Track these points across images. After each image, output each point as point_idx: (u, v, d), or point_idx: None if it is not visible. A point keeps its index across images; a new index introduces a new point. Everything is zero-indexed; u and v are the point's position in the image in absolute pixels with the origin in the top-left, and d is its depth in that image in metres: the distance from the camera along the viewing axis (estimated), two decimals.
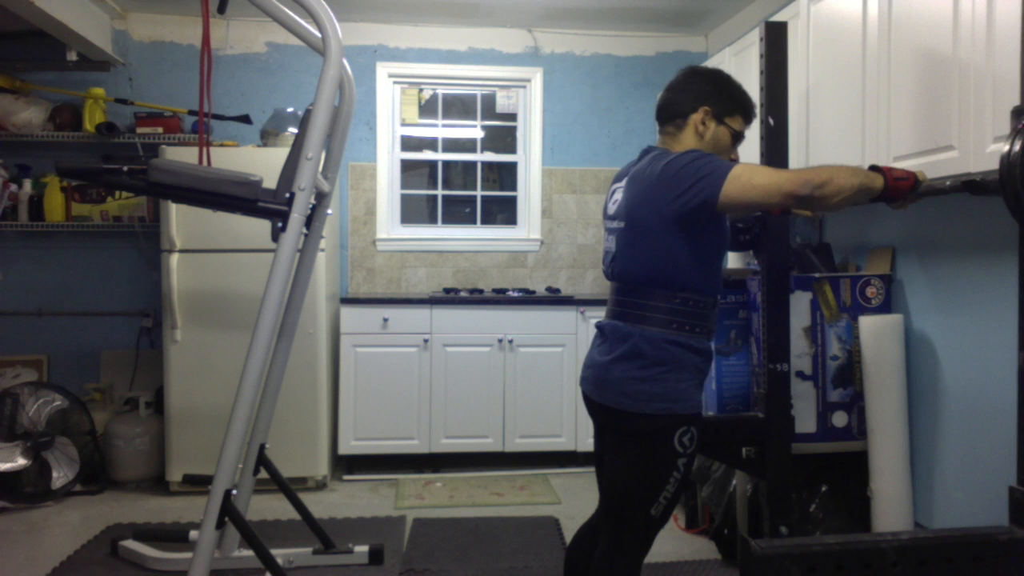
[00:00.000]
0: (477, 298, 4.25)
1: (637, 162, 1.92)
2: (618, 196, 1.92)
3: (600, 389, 1.86)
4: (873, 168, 1.80)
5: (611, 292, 1.93)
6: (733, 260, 3.84)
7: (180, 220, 3.74)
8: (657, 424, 1.78)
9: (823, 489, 2.80)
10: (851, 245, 3.08)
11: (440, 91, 4.79)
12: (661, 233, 1.78)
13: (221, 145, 3.93)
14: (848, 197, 1.71)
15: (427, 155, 4.81)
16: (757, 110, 2.02)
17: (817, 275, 2.76)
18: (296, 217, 2.41)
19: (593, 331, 4.12)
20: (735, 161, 1.89)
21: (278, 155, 2.92)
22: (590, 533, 2.04)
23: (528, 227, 4.80)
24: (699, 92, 1.90)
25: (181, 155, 3.67)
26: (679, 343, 1.79)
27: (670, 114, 1.93)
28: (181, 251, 3.77)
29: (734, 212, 1.73)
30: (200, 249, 3.78)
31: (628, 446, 1.83)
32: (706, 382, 2.04)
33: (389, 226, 4.70)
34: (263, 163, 3.37)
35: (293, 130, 3.93)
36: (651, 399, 1.77)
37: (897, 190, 1.78)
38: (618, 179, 1.98)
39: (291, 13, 2.66)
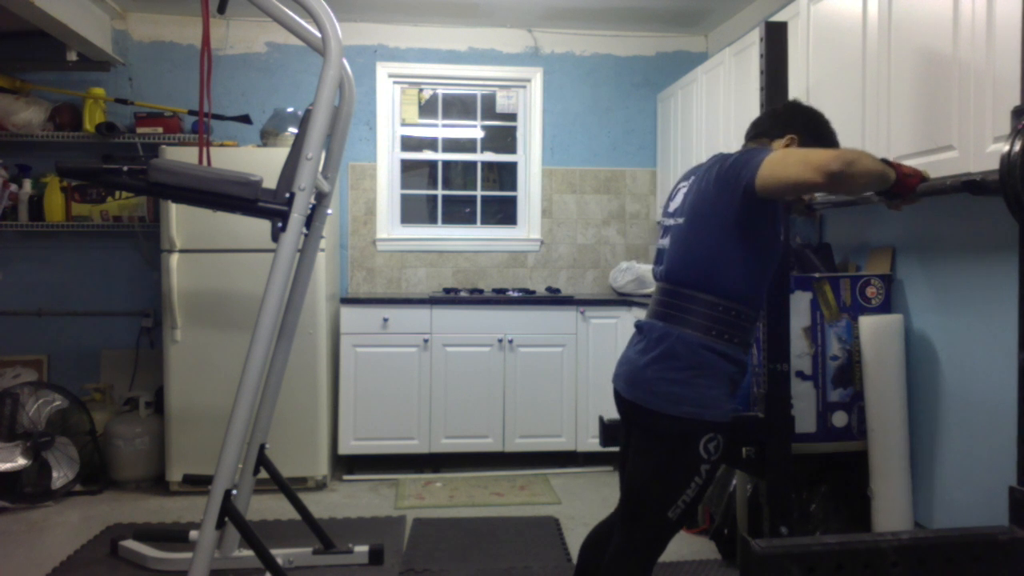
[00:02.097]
0: (477, 298, 4.25)
1: (703, 164, 1.95)
2: (680, 195, 1.95)
3: (631, 387, 1.87)
4: (883, 161, 1.82)
5: (656, 292, 1.94)
6: None
7: (180, 220, 3.74)
8: (684, 427, 1.77)
9: (823, 489, 2.80)
10: (851, 245, 3.08)
11: (440, 91, 4.79)
12: (715, 232, 1.79)
13: (221, 145, 3.93)
14: (871, 181, 1.72)
15: (427, 155, 4.81)
16: None
17: (817, 275, 2.75)
18: (296, 217, 2.41)
19: (593, 331, 4.18)
20: None
21: (278, 155, 2.92)
22: (605, 530, 2.05)
23: (528, 227, 4.80)
24: (793, 122, 1.94)
25: (181, 155, 3.67)
26: (715, 350, 1.79)
27: (758, 131, 1.98)
28: (181, 251, 3.77)
29: (774, 194, 1.74)
30: (200, 249, 3.78)
31: (653, 446, 1.83)
32: None
33: (389, 226, 4.70)
34: (263, 163, 3.38)
35: (293, 130, 3.93)
36: (680, 402, 1.77)
37: (906, 185, 1.79)
38: (684, 178, 2.00)
39: (291, 13, 2.66)
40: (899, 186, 1.78)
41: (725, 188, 1.77)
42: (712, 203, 1.81)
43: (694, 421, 1.77)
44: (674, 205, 1.95)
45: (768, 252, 1.85)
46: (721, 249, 1.79)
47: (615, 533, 1.93)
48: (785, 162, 1.67)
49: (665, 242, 1.94)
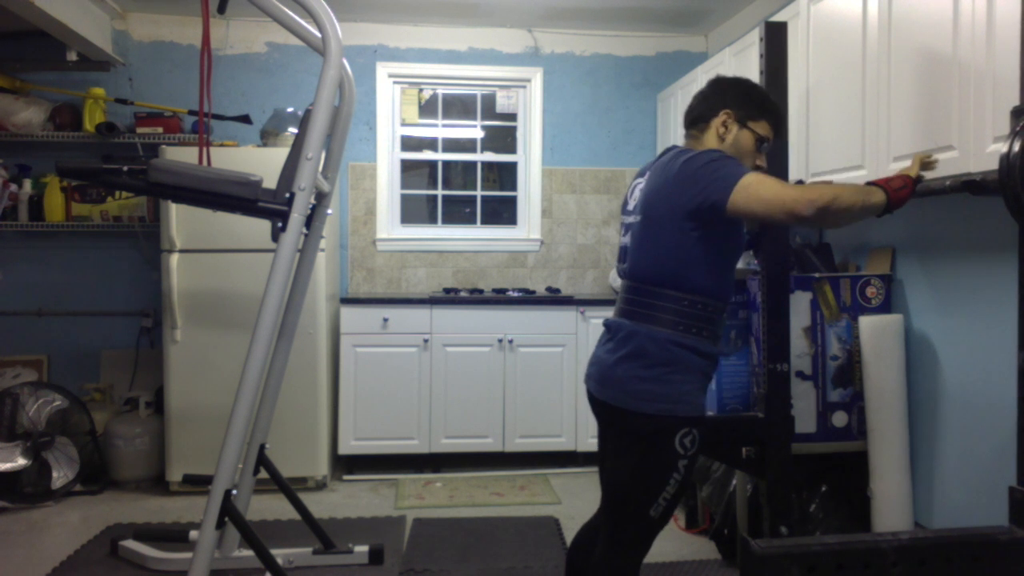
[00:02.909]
0: (477, 298, 4.25)
1: (658, 159, 1.93)
2: (637, 192, 1.93)
3: (603, 387, 1.86)
4: (871, 184, 1.81)
5: (621, 289, 1.94)
6: None
7: (180, 220, 3.74)
8: (658, 424, 1.77)
9: (823, 489, 2.80)
10: (851, 245, 3.08)
11: (440, 91, 4.79)
12: (674, 230, 1.78)
13: (221, 145, 3.93)
14: (854, 215, 1.71)
15: (427, 155, 4.81)
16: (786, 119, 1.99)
17: (817, 275, 2.76)
18: (296, 217, 2.41)
19: (593, 331, 4.17)
20: (759, 168, 1.88)
21: (278, 155, 2.92)
22: (591, 532, 2.05)
23: (528, 227, 4.80)
24: (722, 97, 1.92)
25: (181, 155, 3.67)
26: (684, 345, 1.79)
27: (694, 118, 1.96)
28: (181, 251, 3.77)
29: (745, 219, 1.73)
30: (200, 249, 3.78)
31: (629, 445, 1.83)
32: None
33: (389, 226, 4.70)
34: (263, 163, 3.37)
35: (293, 130, 3.93)
36: (653, 399, 1.77)
37: (900, 200, 1.79)
38: (640, 175, 1.98)
39: (291, 13, 2.66)
40: (893, 205, 1.78)
41: (686, 189, 1.75)
42: (668, 199, 1.79)
43: (668, 417, 1.77)
44: (632, 202, 1.94)
45: (730, 244, 1.84)
46: (681, 246, 1.78)
47: (600, 535, 1.93)
48: (759, 195, 1.65)
49: (627, 240, 1.94)
